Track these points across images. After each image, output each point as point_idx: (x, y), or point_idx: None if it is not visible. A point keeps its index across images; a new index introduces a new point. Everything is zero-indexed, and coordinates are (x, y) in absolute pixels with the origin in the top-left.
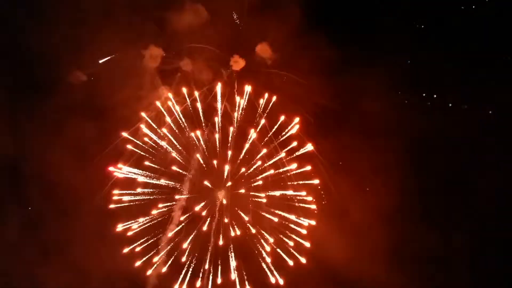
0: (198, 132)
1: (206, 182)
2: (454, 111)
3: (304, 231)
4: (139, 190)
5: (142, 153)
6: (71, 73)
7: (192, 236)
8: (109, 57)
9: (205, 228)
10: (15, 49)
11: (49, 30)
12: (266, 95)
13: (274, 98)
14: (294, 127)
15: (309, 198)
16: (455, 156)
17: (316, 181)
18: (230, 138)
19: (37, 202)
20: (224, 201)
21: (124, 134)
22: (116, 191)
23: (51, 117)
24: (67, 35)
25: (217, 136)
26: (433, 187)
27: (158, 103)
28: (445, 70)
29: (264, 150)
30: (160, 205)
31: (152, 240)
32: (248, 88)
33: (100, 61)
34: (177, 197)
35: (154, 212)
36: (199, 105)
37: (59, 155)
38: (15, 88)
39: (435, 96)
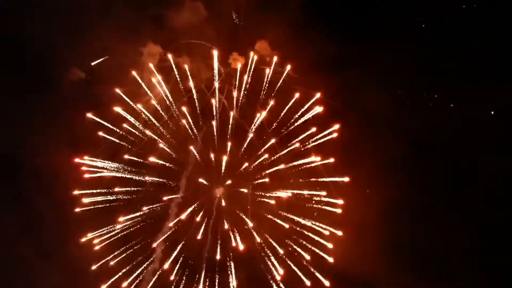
0: (184, 108)
1: (200, 179)
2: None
3: (329, 245)
4: (117, 189)
5: (116, 140)
6: (69, 71)
7: (180, 246)
8: (102, 59)
9: (199, 237)
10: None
11: (46, 28)
12: (275, 59)
13: (288, 67)
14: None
15: (339, 201)
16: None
17: (345, 179)
18: (230, 125)
19: None
20: (223, 203)
21: (89, 115)
22: (81, 191)
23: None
24: (65, 32)
25: (214, 123)
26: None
27: (134, 73)
28: (447, 70)
29: (273, 140)
30: (145, 208)
31: (128, 252)
32: (254, 57)
33: (92, 63)
34: (165, 198)
35: (121, 219)
36: (191, 83)
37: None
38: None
39: (436, 96)
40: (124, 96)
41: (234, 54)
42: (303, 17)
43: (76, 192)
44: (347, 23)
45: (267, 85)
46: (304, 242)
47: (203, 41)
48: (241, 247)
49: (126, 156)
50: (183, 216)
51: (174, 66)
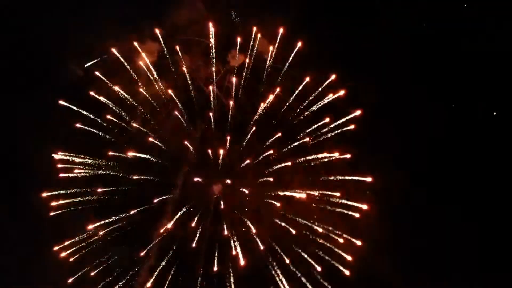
0: (172, 92)
1: (196, 178)
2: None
3: (348, 257)
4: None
5: (94, 131)
6: (68, 68)
7: (169, 256)
8: (99, 59)
9: (194, 244)
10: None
11: (42, 25)
12: (281, 30)
13: (299, 45)
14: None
15: (364, 206)
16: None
17: (368, 179)
18: (229, 115)
19: None
20: (222, 205)
21: (62, 103)
22: (53, 192)
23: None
24: (62, 30)
25: (211, 114)
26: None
27: (116, 51)
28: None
29: (279, 134)
30: (133, 212)
31: (110, 262)
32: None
33: (86, 65)
34: (156, 200)
35: (90, 227)
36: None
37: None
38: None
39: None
40: (107, 81)
41: (233, 52)
42: (302, 13)
43: (61, 192)
44: (347, 20)
45: (271, 63)
46: (316, 250)
47: (201, 39)
48: (242, 261)
49: (110, 153)
50: (169, 225)
51: (164, 48)
